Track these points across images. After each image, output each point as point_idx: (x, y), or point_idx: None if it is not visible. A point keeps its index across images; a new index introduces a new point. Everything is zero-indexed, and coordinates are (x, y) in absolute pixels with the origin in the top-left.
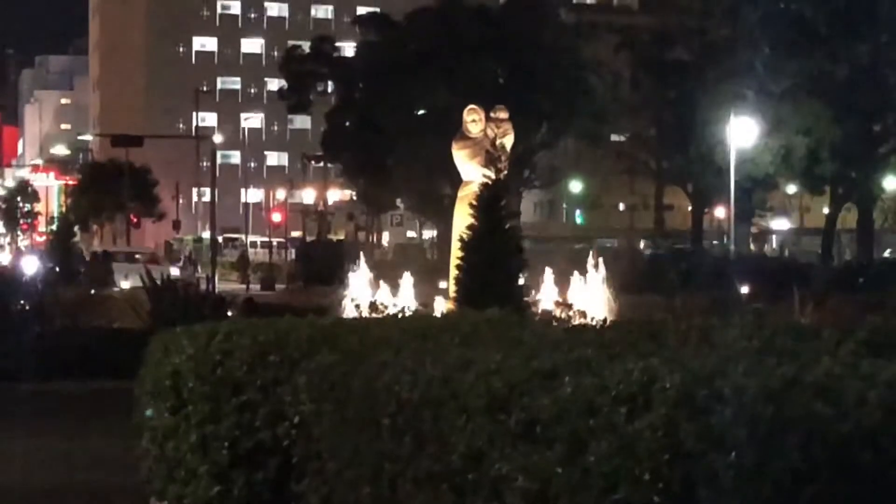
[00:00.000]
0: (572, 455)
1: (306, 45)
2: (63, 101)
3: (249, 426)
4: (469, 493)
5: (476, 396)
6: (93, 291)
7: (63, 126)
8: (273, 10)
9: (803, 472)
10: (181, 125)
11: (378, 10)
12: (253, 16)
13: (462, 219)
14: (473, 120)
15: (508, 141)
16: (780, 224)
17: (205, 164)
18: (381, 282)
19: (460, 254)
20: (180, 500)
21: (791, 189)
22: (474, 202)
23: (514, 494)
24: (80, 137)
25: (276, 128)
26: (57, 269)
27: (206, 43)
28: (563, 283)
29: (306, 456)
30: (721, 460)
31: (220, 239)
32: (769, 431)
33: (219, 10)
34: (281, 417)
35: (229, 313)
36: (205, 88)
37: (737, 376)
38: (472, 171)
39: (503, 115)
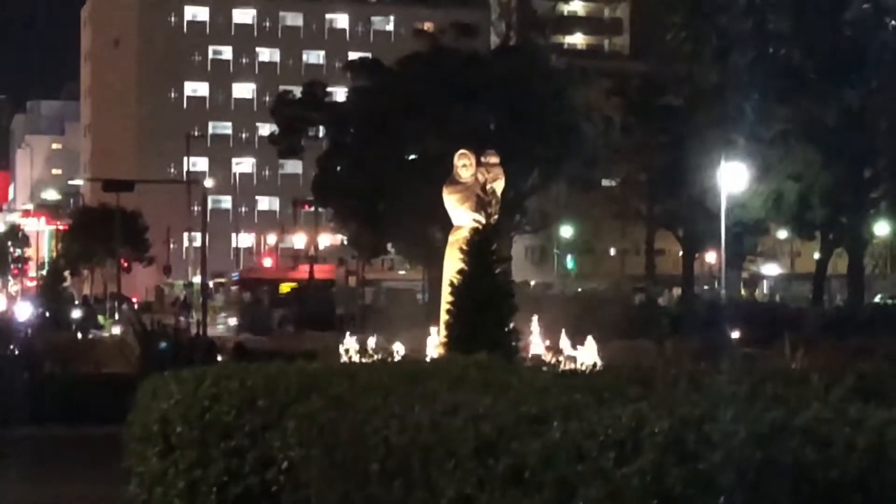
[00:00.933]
0: (561, 501)
1: (298, 90)
2: (54, 146)
3: (238, 471)
4: None
5: (464, 441)
6: (80, 336)
7: (54, 171)
8: (264, 55)
9: None
10: (172, 170)
11: (369, 55)
12: (244, 61)
13: (452, 263)
14: (464, 165)
15: (499, 186)
16: (771, 269)
17: (196, 208)
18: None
19: (450, 298)
20: None
21: (782, 234)
22: (465, 247)
23: None
24: (70, 182)
25: (267, 172)
26: (47, 314)
27: (197, 88)
28: (555, 328)
29: (295, 502)
30: None
31: (210, 283)
32: (758, 476)
33: (210, 56)
34: (269, 463)
35: (219, 358)
36: (196, 133)
37: (726, 421)
38: (463, 216)
39: (494, 159)
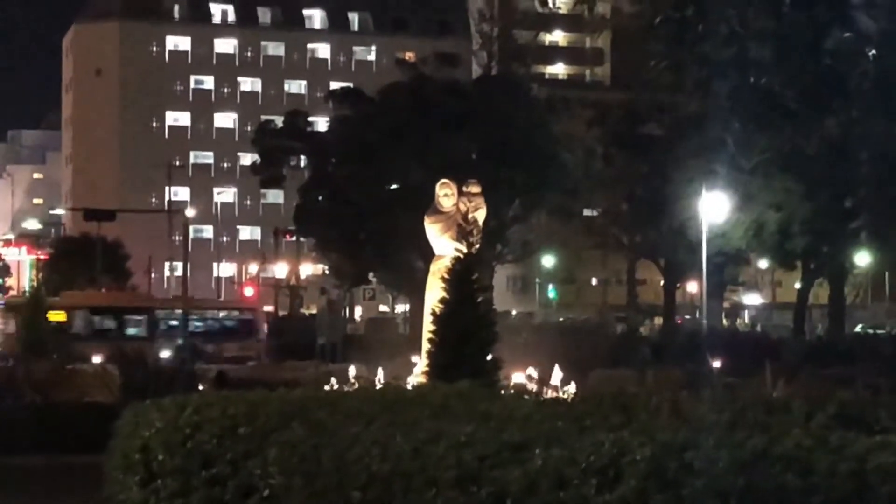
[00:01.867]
0: None
1: (279, 120)
2: (35, 175)
3: (219, 500)
4: None
5: (446, 468)
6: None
7: (35, 200)
8: (246, 84)
9: None
10: (154, 199)
11: (351, 84)
12: (226, 90)
13: (434, 292)
14: (446, 194)
15: (480, 215)
16: (752, 299)
17: (177, 238)
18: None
19: (432, 327)
20: None
21: (763, 264)
22: (446, 276)
23: None
24: (52, 212)
25: (248, 202)
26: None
27: (178, 117)
28: (538, 357)
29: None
30: None
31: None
32: (740, 503)
33: (192, 85)
34: (251, 491)
35: (200, 387)
36: (178, 163)
37: (707, 448)
38: (445, 246)
39: (475, 189)
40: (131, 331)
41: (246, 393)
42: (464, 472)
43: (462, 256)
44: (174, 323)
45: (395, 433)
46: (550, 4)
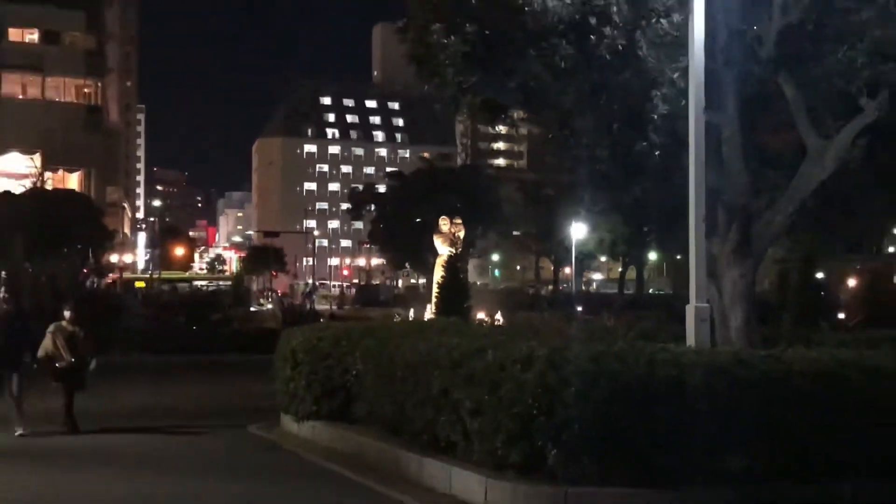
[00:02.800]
0: (493, 390)
1: (361, 187)
2: (238, 214)
3: (330, 376)
4: (442, 410)
5: (443, 360)
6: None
7: (238, 227)
8: (345, 168)
9: (606, 398)
10: (297, 226)
11: (396, 169)
12: (334, 171)
13: (438, 272)
14: (444, 223)
15: (461, 234)
16: (598, 276)
17: (309, 245)
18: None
19: (437, 290)
20: (295, 413)
21: (603, 258)
22: (444, 265)
23: (464, 410)
24: (247, 233)
25: (345, 227)
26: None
27: (310, 185)
28: (489, 306)
29: (359, 392)
30: (568, 393)
31: (317, 283)
32: (591, 379)
33: (317, 168)
34: (347, 372)
35: (321, 320)
36: (309, 208)
37: (576, 350)
38: (443, 249)
39: (458, 221)
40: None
41: (344, 323)
42: (453, 361)
43: (452, 255)
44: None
45: (419, 341)
46: (496, 130)
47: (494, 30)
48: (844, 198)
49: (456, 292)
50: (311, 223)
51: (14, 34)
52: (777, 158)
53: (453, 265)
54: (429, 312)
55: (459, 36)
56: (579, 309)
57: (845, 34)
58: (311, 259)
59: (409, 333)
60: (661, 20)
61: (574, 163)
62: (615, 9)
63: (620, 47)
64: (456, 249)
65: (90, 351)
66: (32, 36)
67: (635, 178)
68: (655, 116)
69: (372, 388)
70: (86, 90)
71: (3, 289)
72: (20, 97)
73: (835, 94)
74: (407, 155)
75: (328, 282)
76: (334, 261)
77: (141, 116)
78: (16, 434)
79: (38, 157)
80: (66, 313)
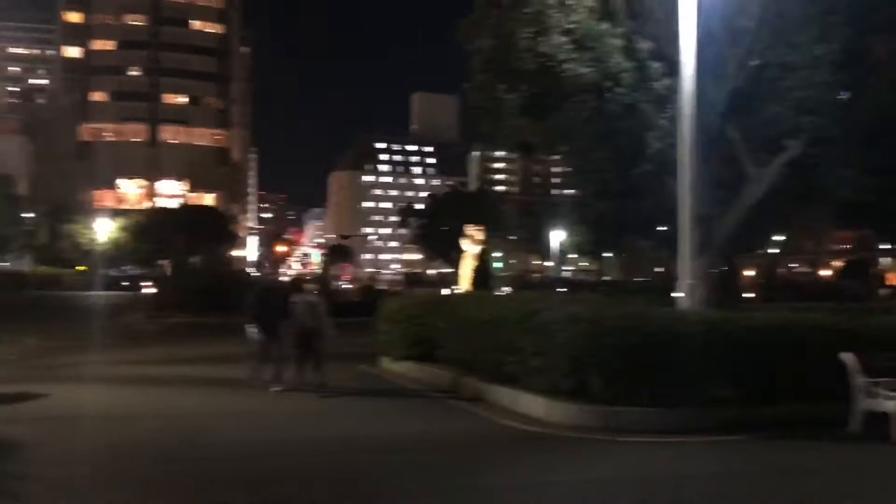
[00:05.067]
0: (551, 339)
1: (405, 204)
2: (317, 224)
3: (421, 333)
4: (509, 354)
5: (480, 320)
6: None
7: (317, 233)
8: (392, 194)
9: (632, 345)
10: (362, 230)
11: (429, 193)
12: (387, 193)
13: (466, 263)
14: (469, 230)
15: (481, 237)
16: (569, 268)
17: (366, 245)
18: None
19: (472, 274)
20: (393, 356)
21: (573, 255)
22: (472, 257)
23: (527, 355)
24: (325, 236)
25: (393, 233)
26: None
27: (370, 204)
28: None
29: (442, 345)
30: (606, 341)
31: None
32: (622, 330)
33: (374, 192)
34: (434, 329)
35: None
36: (370, 218)
37: (609, 310)
38: (470, 247)
39: (480, 227)
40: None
41: (422, 294)
42: (517, 319)
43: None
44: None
45: (485, 306)
46: (495, 165)
47: (541, 90)
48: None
49: (485, 275)
50: (368, 230)
51: (169, 98)
52: (724, 182)
53: (482, 257)
54: (457, 290)
55: (516, 94)
56: (563, 290)
57: (775, 95)
58: (369, 255)
59: (471, 301)
60: (654, 84)
61: (586, 185)
62: (624, 75)
63: (626, 102)
64: (480, 247)
65: (327, 318)
66: (182, 99)
67: (620, 196)
68: (650, 150)
69: (449, 339)
70: (217, 137)
71: (266, 265)
72: (173, 141)
73: (768, 138)
74: (438, 183)
75: (381, 270)
76: (384, 256)
77: (254, 155)
78: (272, 391)
79: (185, 184)
80: (310, 286)
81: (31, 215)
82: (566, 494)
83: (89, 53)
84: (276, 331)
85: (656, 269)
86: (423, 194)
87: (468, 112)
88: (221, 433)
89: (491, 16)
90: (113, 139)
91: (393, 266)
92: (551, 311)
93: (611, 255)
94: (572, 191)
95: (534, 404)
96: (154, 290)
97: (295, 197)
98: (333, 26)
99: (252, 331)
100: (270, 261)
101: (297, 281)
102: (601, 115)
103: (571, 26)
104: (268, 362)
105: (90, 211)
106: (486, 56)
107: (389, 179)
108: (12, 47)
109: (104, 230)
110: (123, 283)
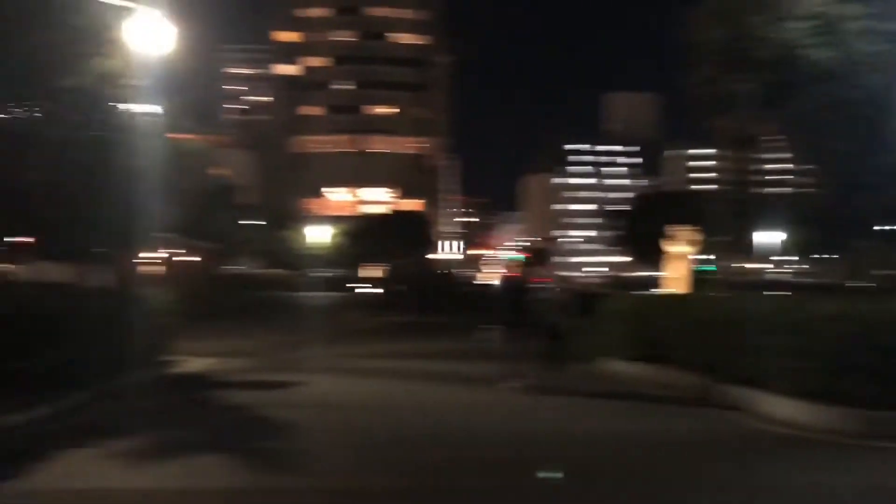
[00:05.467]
0: (802, 338)
1: (596, 206)
2: (515, 225)
3: (650, 330)
4: (750, 355)
5: (755, 317)
6: None
7: (514, 235)
8: (584, 194)
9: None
10: (551, 233)
11: (639, 194)
12: (572, 196)
13: (672, 266)
14: (677, 230)
15: (698, 237)
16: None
17: (563, 247)
18: None
19: (676, 278)
20: (618, 356)
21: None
22: (679, 258)
23: (773, 355)
24: (519, 239)
25: (590, 234)
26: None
27: (556, 206)
28: None
29: (673, 342)
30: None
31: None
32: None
33: (562, 195)
34: (663, 328)
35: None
36: (559, 221)
37: (867, 309)
38: (677, 248)
39: (698, 229)
40: None
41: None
42: (760, 319)
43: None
44: None
45: (699, 306)
46: (696, 164)
47: (777, 79)
48: None
49: (697, 277)
50: (564, 232)
51: (378, 110)
52: None
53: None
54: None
55: (744, 84)
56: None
57: None
58: (569, 258)
59: (705, 301)
60: None
61: (825, 179)
62: (867, 60)
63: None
64: (690, 248)
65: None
66: (387, 110)
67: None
68: None
69: (677, 338)
70: (420, 145)
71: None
72: (381, 150)
73: None
74: (629, 182)
75: (573, 274)
76: (578, 259)
77: (456, 161)
78: (514, 386)
79: (393, 191)
80: (551, 285)
81: (262, 223)
82: (856, 501)
83: (303, 70)
84: (521, 328)
85: (874, 272)
86: (616, 195)
87: (691, 106)
88: (477, 424)
89: (725, 5)
90: (322, 150)
91: (585, 269)
92: (803, 310)
93: (826, 256)
94: (789, 189)
95: (782, 406)
96: (371, 291)
97: (495, 201)
98: (524, 30)
99: (493, 329)
100: (475, 263)
101: (540, 279)
102: (843, 104)
103: (812, 11)
104: (511, 360)
105: (306, 218)
106: (718, 47)
107: (581, 181)
108: (234, 68)
109: (321, 235)
110: (347, 286)
